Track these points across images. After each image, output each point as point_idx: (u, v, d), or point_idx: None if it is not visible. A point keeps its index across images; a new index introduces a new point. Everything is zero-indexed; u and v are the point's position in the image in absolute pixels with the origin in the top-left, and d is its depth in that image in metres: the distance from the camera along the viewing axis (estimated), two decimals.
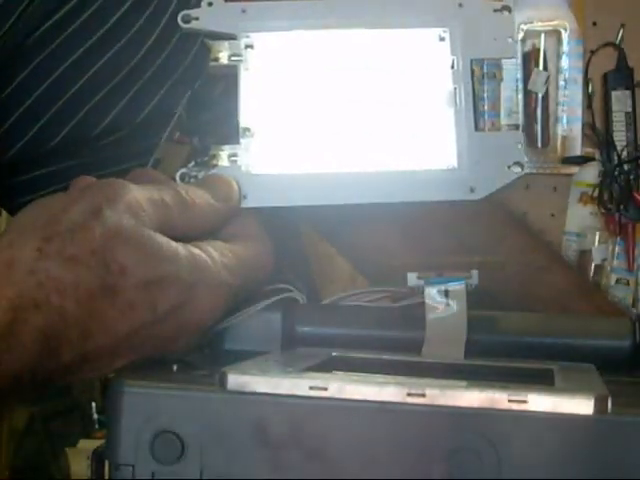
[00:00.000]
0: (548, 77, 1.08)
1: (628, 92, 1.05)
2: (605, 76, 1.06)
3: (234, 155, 0.57)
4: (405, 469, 0.47)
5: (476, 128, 0.57)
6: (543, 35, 1.05)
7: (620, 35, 1.05)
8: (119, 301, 0.50)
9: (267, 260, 0.61)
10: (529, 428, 0.46)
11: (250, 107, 0.58)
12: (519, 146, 0.57)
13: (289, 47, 0.58)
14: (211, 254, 0.54)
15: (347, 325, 0.67)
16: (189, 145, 0.60)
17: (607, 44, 1.06)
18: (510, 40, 0.58)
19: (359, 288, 0.72)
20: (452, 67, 0.58)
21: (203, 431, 0.49)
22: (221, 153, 0.57)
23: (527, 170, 0.57)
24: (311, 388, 0.48)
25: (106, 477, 0.51)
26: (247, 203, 0.58)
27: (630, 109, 1.05)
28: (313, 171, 0.57)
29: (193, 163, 0.57)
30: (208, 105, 0.63)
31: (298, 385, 0.48)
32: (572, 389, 0.48)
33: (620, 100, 1.05)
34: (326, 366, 0.58)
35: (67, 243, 0.48)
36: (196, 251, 0.53)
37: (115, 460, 0.50)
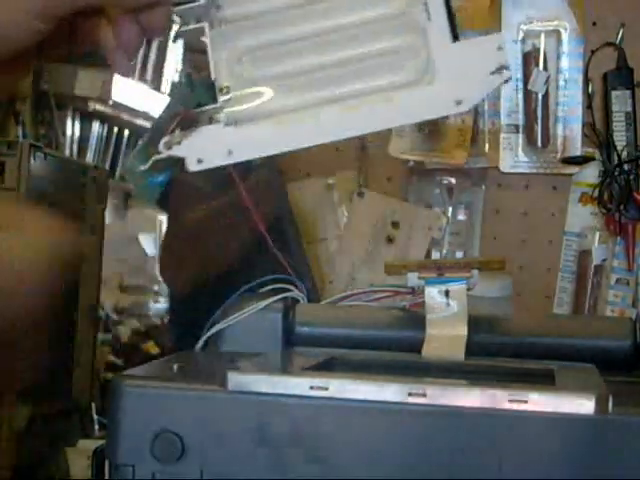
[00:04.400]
0: (548, 77, 1.08)
1: (628, 92, 1.05)
2: (605, 76, 1.06)
3: (216, 113, 0.57)
4: (405, 469, 0.47)
5: (453, 39, 0.56)
6: (543, 35, 1.05)
7: (620, 35, 1.06)
8: None
9: None
10: (529, 428, 0.46)
11: (222, 65, 0.58)
12: (499, 49, 0.55)
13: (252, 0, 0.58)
14: None
15: (347, 325, 0.67)
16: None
17: (607, 44, 1.06)
18: None
19: (359, 288, 0.72)
20: None
21: (203, 431, 0.49)
22: (203, 115, 0.58)
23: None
24: (312, 388, 0.48)
25: (106, 477, 0.51)
26: (234, 158, 0.58)
27: (630, 109, 1.06)
28: (293, 115, 0.57)
29: (178, 130, 0.58)
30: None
31: (298, 385, 0.48)
32: (573, 389, 0.48)
33: (620, 100, 1.05)
34: (326, 366, 0.58)
35: None
36: None
37: (115, 460, 0.50)
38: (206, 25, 0.57)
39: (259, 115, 0.58)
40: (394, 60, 0.57)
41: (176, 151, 0.57)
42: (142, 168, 0.59)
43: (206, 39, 0.58)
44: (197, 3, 0.57)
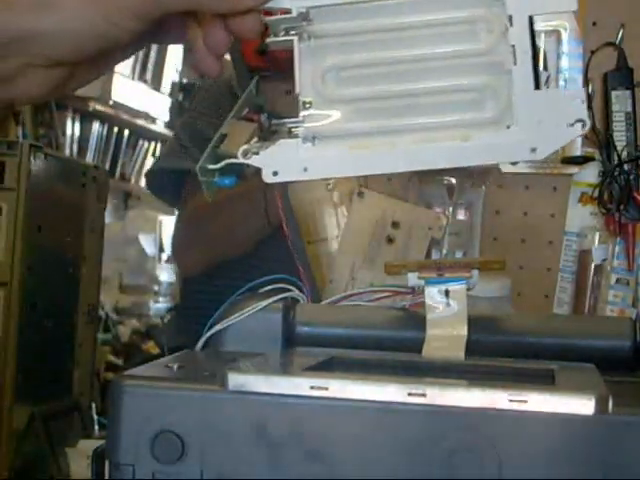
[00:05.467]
0: (548, 77, 1.08)
1: (628, 92, 1.05)
2: (605, 76, 1.06)
3: (294, 128, 0.58)
4: (405, 469, 0.47)
5: (536, 86, 0.55)
6: (543, 35, 1.05)
7: (620, 35, 1.06)
8: None
9: None
10: (529, 428, 0.46)
11: (308, 80, 0.58)
12: (581, 103, 0.54)
13: (343, 16, 0.58)
14: None
15: (347, 325, 0.67)
16: (256, 123, 0.60)
17: (607, 44, 1.06)
18: None
19: (359, 288, 0.72)
20: (510, 24, 0.55)
21: (203, 431, 0.49)
22: (282, 127, 0.58)
23: (582, 130, 0.54)
24: (312, 388, 0.48)
25: (106, 477, 0.51)
26: (308, 176, 0.58)
27: (630, 109, 1.05)
28: (369, 140, 0.58)
29: (256, 139, 0.58)
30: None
31: (299, 385, 0.48)
32: (573, 389, 0.48)
33: (620, 100, 1.05)
34: (326, 366, 0.58)
35: None
36: None
37: (115, 460, 0.50)
38: (295, 39, 0.57)
39: (336, 135, 0.58)
40: (475, 98, 0.56)
41: (253, 161, 0.57)
42: (211, 167, 0.59)
43: (294, 52, 0.57)
44: (289, 15, 0.56)
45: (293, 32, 0.57)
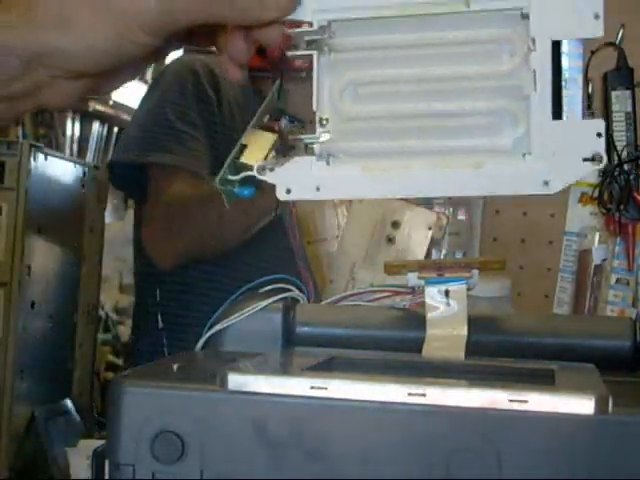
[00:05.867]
0: None
1: (628, 92, 1.05)
2: (605, 76, 1.06)
3: (312, 144, 0.57)
4: (405, 469, 0.47)
5: (554, 116, 0.53)
6: None
7: (620, 35, 1.06)
8: None
9: None
10: (530, 428, 0.46)
11: (325, 96, 0.57)
12: (599, 137, 0.52)
13: (363, 31, 0.57)
14: None
15: (347, 325, 0.67)
16: (275, 133, 0.60)
17: (607, 44, 1.06)
18: (597, 17, 0.53)
19: (359, 288, 0.72)
20: (532, 48, 0.53)
21: (203, 431, 0.49)
22: (299, 143, 0.57)
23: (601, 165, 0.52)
24: (312, 388, 0.48)
25: (106, 477, 0.51)
26: (320, 195, 0.58)
27: (630, 109, 1.05)
28: (383, 162, 0.57)
29: (273, 154, 0.58)
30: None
31: (299, 385, 0.48)
32: (573, 389, 0.48)
33: (620, 100, 1.05)
34: (326, 366, 0.58)
35: None
36: None
37: (115, 460, 0.50)
38: (315, 53, 0.57)
39: (350, 154, 0.57)
40: (493, 123, 0.55)
41: (268, 177, 0.57)
42: (232, 178, 0.60)
43: (314, 67, 0.57)
44: (311, 28, 0.56)
45: (314, 46, 0.57)
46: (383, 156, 0.57)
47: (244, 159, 0.59)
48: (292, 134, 0.59)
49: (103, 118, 3.60)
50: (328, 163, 0.57)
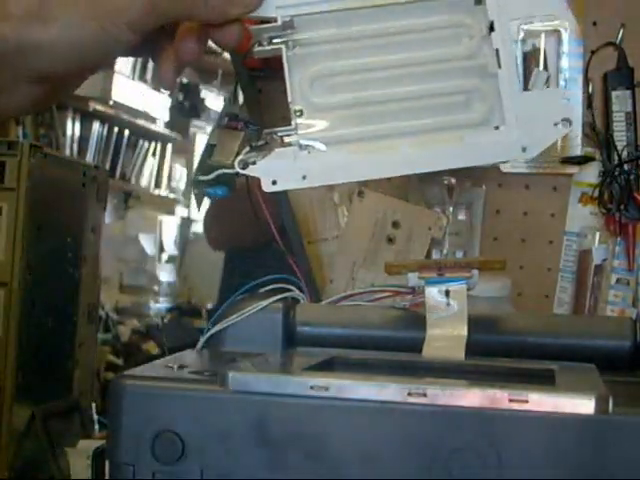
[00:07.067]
0: (548, 77, 1.08)
1: (628, 92, 1.05)
2: (605, 76, 1.06)
3: (288, 137, 0.58)
4: (405, 469, 0.47)
5: (525, 88, 0.58)
6: (543, 35, 1.05)
7: (620, 35, 1.05)
8: None
9: None
10: (530, 428, 0.46)
11: (297, 88, 0.58)
12: (564, 102, 0.57)
13: (328, 24, 0.58)
14: None
15: (347, 325, 0.67)
16: (242, 131, 0.60)
17: (607, 44, 1.06)
18: None
19: (359, 288, 0.72)
20: (492, 29, 0.57)
21: (203, 431, 0.49)
22: (274, 136, 0.58)
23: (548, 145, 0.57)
24: (312, 388, 0.48)
25: (106, 477, 0.51)
26: (307, 183, 0.58)
27: (630, 109, 1.05)
28: (367, 144, 0.58)
29: (248, 149, 0.58)
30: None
31: (299, 385, 0.48)
32: (573, 389, 0.48)
33: (620, 100, 1.05)
34: (326, 366, 0.58)
35: None
36: None
37: (115, 460, 0.50)
38: (283, 47, 0.57)
39: (332, 142, 0.58)
40: (463, 100, 0.58)
41: (251, 171, 0.57)
42: (204, 178, 0.60)
43: (283, 61, 0.58)
44: (274, 24, 0.56)
45: (278, 41, 0.57)
46: (365, 140, 0.58)
47: (216, 157, 0.59)
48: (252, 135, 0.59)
49: (103, 118, 3.60)
50: (309, 152, 0.57)
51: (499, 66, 0.57)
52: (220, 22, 0.53)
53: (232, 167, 0.57)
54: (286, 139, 0.58)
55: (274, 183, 0.57)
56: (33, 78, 0.52)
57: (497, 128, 0.57)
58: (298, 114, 0.58)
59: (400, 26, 0.58)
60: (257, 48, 0.58)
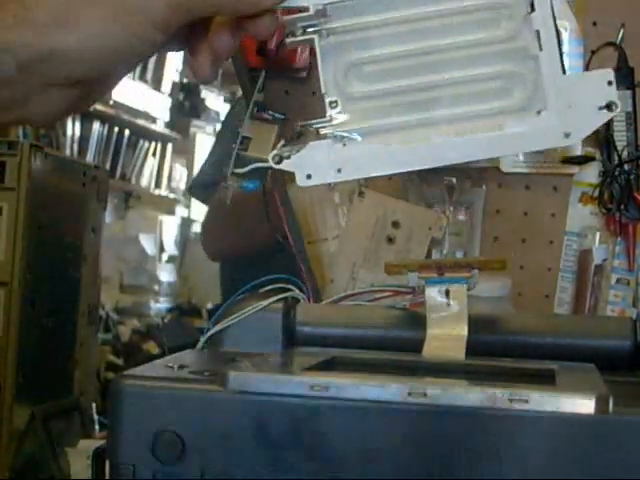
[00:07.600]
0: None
1: (628, 92, 1.05)
2: None
3: (323, 129, 0.56)
4: (405, 469, 0.47)
5: (563, 71, 0.55)
6: None
7: (620, 35, 1.05)
8: None
9: None
10: (530, 428, 0.46)
11: (331, 78, 0.57)
12: (610, 85, 0.54)
13: (361, 11, 0.56)
14: None
15: (347, 325, 0.67)
16: (273, 123, 0.59)
17: (607, 44, 1.06)
18: None
19: (359, 288, 0.72)
20: (532, 9, 0.55)
21: (204, 431, 0.49)
22: (310, 129, 0.57)
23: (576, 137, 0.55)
24: (312, 388, 0.48)
25: (106, 477, 0.51)
26: (342, 176, 0.57)
27: (630, 109, 1.05)
28: (402, 135, 0.56)
29: (282, 142, 0.56)
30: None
31: (299, 385, 0.48)
32: (573, 389, 0.48)
33: (620, 100, 1.05)
34: (327, 366, 0.58)
35: None
36: None
37: (116, 460, 0.50)
38: (316, 37, 0.56)
39: (367, 133, 0.57)
40: (502, 85, 0.56)
41: (286, 165, 0.56)
42: (239, 171, 0.59)
43: (316, 51, 0.56)
44: (306, 13, 0.55)
45: (311, 30, 0.56)
46: (401, 131, 0.56)
47: (252, 152, 0.58)
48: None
49: (103, 118, 3.60)
50: (345, 144, 0.56)
51: (540, 48, 0.55)
52: (252, 14, 0.53)
53: (267, 161, 0.56)
54: (321, 131, 0.56)
55: (309, 177, 0.56)
56: (64, 83, 0.52)
57: (539, 113, 0.55)
58: (333, 105, 0.56)
59: (435, 10, 0.56)
60: (289, 39, 0.57)
